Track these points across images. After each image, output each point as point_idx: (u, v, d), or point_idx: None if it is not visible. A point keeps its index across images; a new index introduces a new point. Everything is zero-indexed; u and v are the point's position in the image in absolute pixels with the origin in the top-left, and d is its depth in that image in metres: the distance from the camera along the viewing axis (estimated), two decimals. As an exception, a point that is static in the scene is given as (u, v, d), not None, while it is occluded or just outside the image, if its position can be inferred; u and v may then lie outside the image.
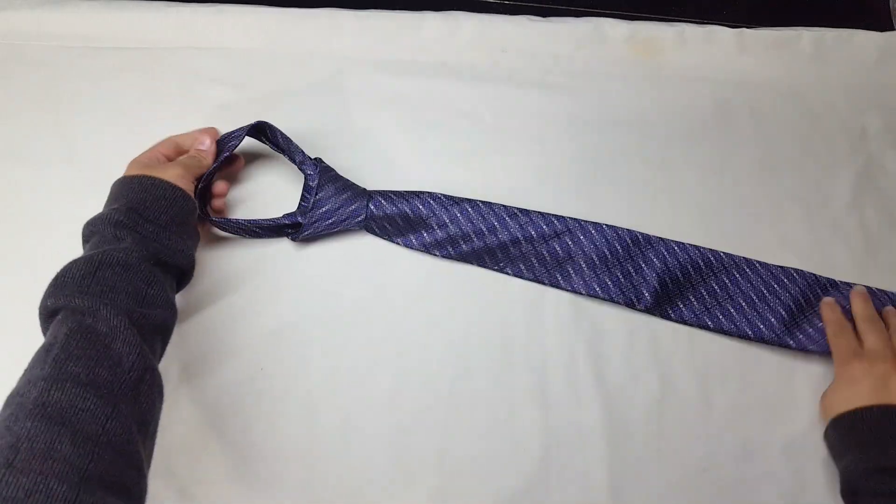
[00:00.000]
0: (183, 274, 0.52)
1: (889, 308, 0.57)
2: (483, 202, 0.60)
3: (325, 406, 0.54)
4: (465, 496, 0.52)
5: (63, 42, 0.70)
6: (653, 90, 0.69)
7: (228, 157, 0.59)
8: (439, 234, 0.59)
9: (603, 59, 0.70)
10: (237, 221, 0.58)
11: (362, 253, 0.60)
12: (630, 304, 0.57)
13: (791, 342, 0.56)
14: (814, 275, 0.58)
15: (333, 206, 0.58)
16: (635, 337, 0.57)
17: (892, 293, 0.58)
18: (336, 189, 0.58)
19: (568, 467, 0.53)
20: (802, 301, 0.57)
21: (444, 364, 0.56)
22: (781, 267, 0.59)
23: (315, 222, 0.58)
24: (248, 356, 0.56)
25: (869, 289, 0.58)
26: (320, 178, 0.58)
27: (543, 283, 0.58)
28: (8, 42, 0.70)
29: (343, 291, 0.59)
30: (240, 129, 0.60)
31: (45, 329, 0.44)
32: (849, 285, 0.58)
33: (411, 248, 0.59)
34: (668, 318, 0.57)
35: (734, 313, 0.57)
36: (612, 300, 0.57)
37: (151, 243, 0.48)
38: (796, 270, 0.58)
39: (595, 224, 0.59)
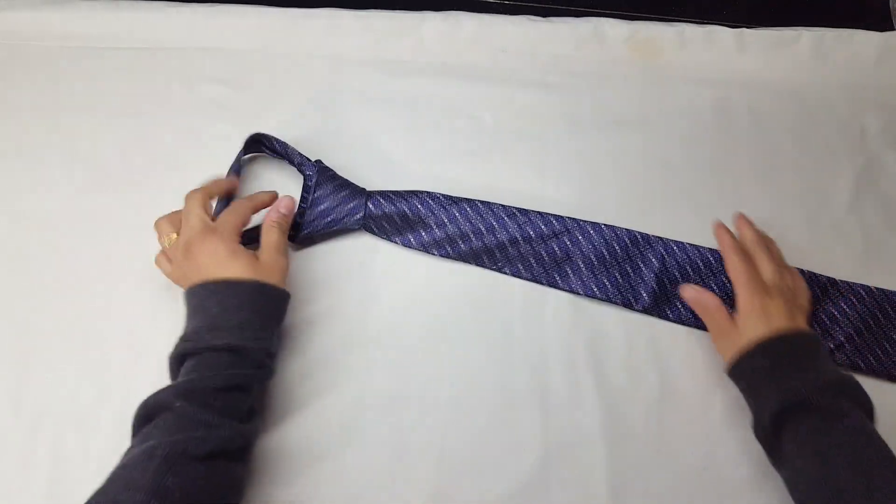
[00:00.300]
0: None
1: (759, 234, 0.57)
2: (482, 202, 0.60)
3: (324, 406, 0.54)
4: (465, 496, 0.52)
5: (63, 42, 0.70)
6: (653, 90, 0.69)
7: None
8: (437, 233, 0.59)
9: (603, 60, 0.70)
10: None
11: (362, 253, 0.60)
12: (628, 305, 0.57)
13: None
14: (813, 273, 0.58)
15: (331, 204, 0.58)
16: (635, 337, 0.57)
17: (891, 291, 0.58)
18: (334, 187, 0.59)
19: (568, 467, 0.53)
20: None
21: (444, 364, 0.56)
22: None
23: (313, 221, 0.58)
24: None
25: (865, 288, 0.58)
26: (318, 177, 0.59)
27: (541, 283, 0.58)
28: (8, 42, 0.70)
29: (343, 292, 0.59)
30: (237, 155, 0.60)
31: (144, 416, 0.44)
32: (848, 283, 0.58)
33: (410, 247, 0.59)
34: (665, 318, 0.57)
35: None
36: (609, 300, 0.57)
37: (271, 372, 0.50)
38: (800, 271, 0.58)
39: (594, 224, 0.59)
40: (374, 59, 0.70)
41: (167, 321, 0.57)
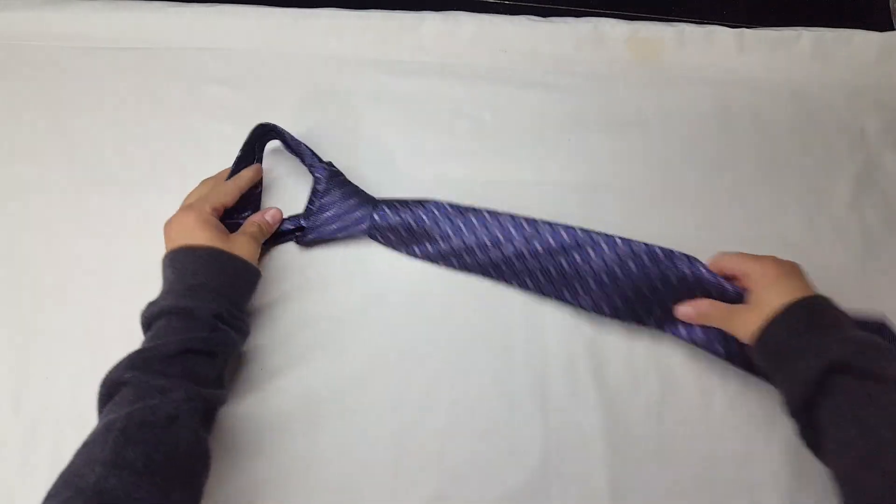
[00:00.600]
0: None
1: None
2: (489, 212, 0.57)
3: (325, 406, 0.54)
4: (465, 496, 0.52)
5: (63, 42, 0.70)
6: (653, 90, 0.69)
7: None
8: (443, 246, 0.58)
9: (603, 60, 0.70)
10: (242, 221, 0.58)
11: (363, 254, 0.60)
12: (639, 321, 0.55)
13: None
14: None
15: (338, 211, 0.58)
16: (635, 337, 0.57)
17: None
18: (342, 194, 0.58)
19: (568, 468, 0.53)
20: None
21: (444, 364, 0.56)
22: None
23: (319, 226, 0.58)
24: (248, 357, 0.56)
25: None
26: (328, 182, 0.58)
27: (549, 297, 0.57)
28: (8, 42, 0.70)
29: (344, 293, 0.59)
30: (250, 135, 0.60)
31: (107, 396, 0.44)
32: None
33: (416, 257, 0.59)
34: (679, 335, 0.55)
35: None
36: (619, 318, 0.55)
37: (237, 334, 0.51)
38: None
39: (607, 238, 0.55)
40: (374, 59, 0.70)
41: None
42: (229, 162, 0.63)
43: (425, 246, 0.58)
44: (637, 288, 0.54)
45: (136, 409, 0.42)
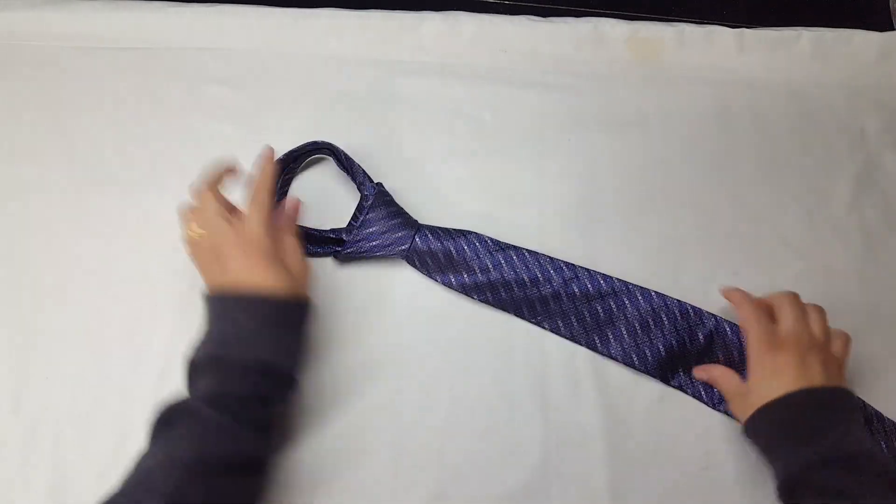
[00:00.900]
0: None
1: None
2: (529, 251, 0.57)
3: (325, 406, 0.54)
4: (464, 496, 0.52)
5: (63, 42, 0.70)
6: (653, 90, 0.69)
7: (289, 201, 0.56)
8: (480, 277, 0.57)
9: (603, 60, 0.70)
10: None
11: (362, 262, 0.60)
12: (664, 381, 0.55)
13: None
14: (863, 402, 0.53)
15: (380, 229, 0.57)
16: (635, 337, 0.57)
17: None
18: (388, 214, 0.58)
19: (568, 467, 0.53)
20: None
21: (444, 364, 0.56)
22: None
23: (359, 241, 0.57)
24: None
25: None
26: (374, 199, 0.58)
27: (579, 343, 0.56)
28: (8, 42, 0.70)
29: (344, 293, 0.59)
30: (300, 147, 0.61)
31: (165, 420, 0.44)
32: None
33: (450, 287, 0.58)
34: (700, 399, 0.55)
35: None
36: (647, 373, 0.55)
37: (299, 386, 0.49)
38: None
39: (643, 290, 0.56)
40: (374, 59, 0.70)
41: (167, 321, 0.57)
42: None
43: (462, 276, 0.57)
44: (667, 342, 0.55)
45: (205, 450, 0.41)
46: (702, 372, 0.54)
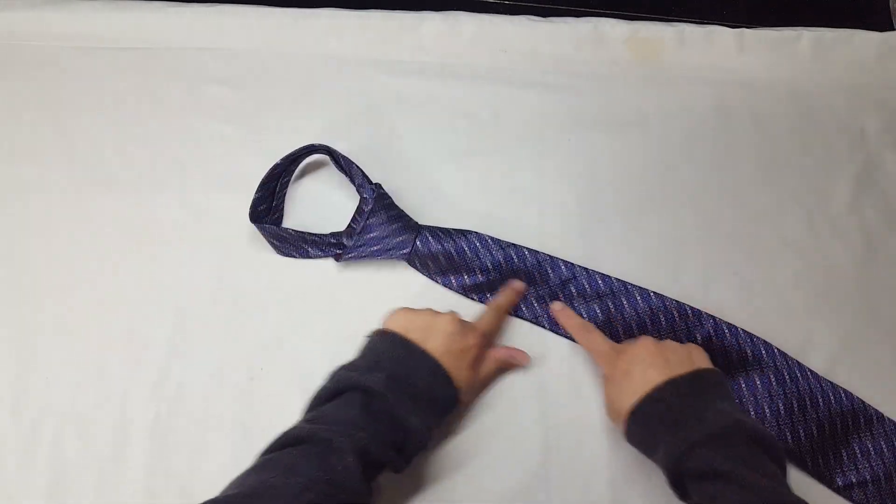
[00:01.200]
0: None
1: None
2: (529, 250, 0.57)
3: (325, 406, 0.54)
4: (465, 496, 0.52)
5: (63, 42, 0.70)
6: (653, 90, 0.69)
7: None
8: (480, 278, 0.57)
9: (603, 60, 0.70)
10: (284, 230, 0.58)
11: (362, 265, 0.60)
12: None
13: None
14: (863, 402, 0.53)
15: (381, 233, 0.57)
16: (635, 337, 0.57)
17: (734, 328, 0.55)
18: (388, 217, 0.58)
19: (568, 467, 0.53)
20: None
21: (444, 364, 0.56)
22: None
23: (360, 246, 0.57)
24: (249, 356, 0.56)
25: (727, 325, 0.55)
26: (375, 203, 0.58)
27: (576, 342, 0.56)
28: (8, 42, 0.70)
29: (345, 295, 0.59)
30: (298, 150, 0.61)
31: (289, 440, 0.43)
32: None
33: (450, 288, 0.58)
34: None
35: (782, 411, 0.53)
36: None
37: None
38: (848, 395, 0.54)
39: (641, 290, 0.56)
40: (374, 59, 0.70)
41: (167, 321, 0.57)
42: (229, 162, 0.64)
43: (462, 277, 0.58)
44: None
45: (333, 494, 0.40)
46: (569, 316, 0.55)
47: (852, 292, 0.59)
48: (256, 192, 0.60)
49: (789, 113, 0.68)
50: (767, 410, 0.53)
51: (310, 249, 0.59)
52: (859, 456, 0.53)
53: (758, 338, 0.55)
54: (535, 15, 0.72)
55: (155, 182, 0.63)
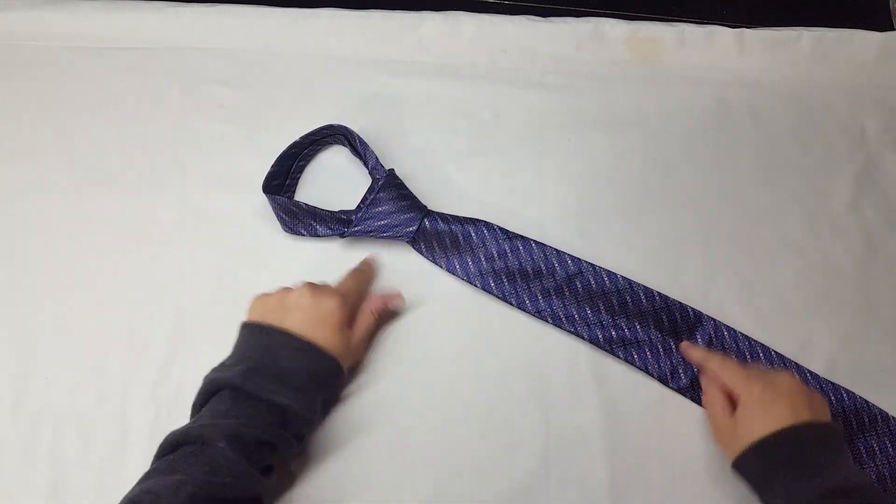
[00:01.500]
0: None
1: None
2: (536, 242, 0.58)
3: (325, 406, 0.54)
4: (464, 496, 0.52)
5: (63, 42, 0.70)
6: (653, 90, 0.69)
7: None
8: (485, 265, 0.57)
9: (603, 60, 0.70)
10: (295, 203, 0.58)
11: (362, 253, 0.60)
12: (664, 381, 0.55)
13: None
14: (866, 402, 0.54)
15: (388, 209, 0.57)
16: (635, 337, 0.57)
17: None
18: (398, 195, 0.58)
19: (568, 467, 0.53)
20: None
21: (444, 364, 0.56)
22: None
23: (367, 220, 0.57)
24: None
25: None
26: (385, 180, 0.58)
27: (581, 338, 0.56)
28: (8, 42, 0.70)
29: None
30: (316, 130, 0.61)
31: (173, 444, 0.44)
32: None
33: (453, 273, 0.57)
34: (697, 402, 0.54)
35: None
36: (646, 372, 0.55)
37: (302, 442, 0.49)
38: (852, 394, 0.54)
39: (646, 289, 0.56)
40: (374, 59, 0.70)
41: (167, 321, 0.57)
42: (229, 162, 0.64)
43: (466, 261, 0.57)
44: (666, 343, 0.55)
45: (211, 482, 0.41)
46: (695, 351, 0.53)
47: (852, 292, 0.60)
48: (273, 166, 0.60)
49: (789, 113, 0.68)
50: None
51: (318, 226, 0.59)
52: (865, 456, 0.53)
53: (756, 341, 0.55)
54: (535, 15, 0.72)
55: (155, 182, 0.63)
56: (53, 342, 0.57)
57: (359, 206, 0.58)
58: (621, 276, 0.57)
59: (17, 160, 0.64)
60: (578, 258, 0.57)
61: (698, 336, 0.55)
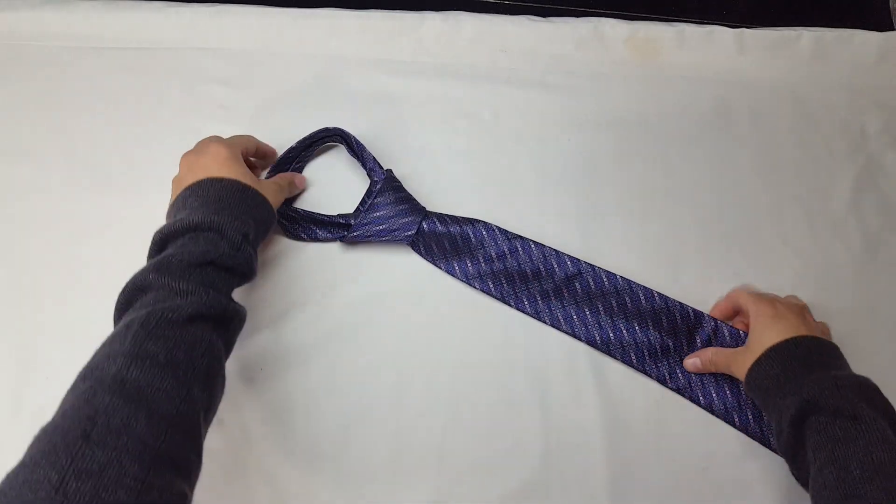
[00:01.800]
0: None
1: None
2: (535, 243, 0.58)
3: (325, 406, 0.54)
4: (465, 496, 0.52)
5: (63, 42, 0.70)
6: (653, 90, 0.69)
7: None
8: (484, 267, 0.57)
9: (603, 60, 0.70)
10: (293, 209, 0.59)
11: (363, 254, 0.60)
12: (662, 382, 0.55)
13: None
14: None
15: (387, 213, 0.57)
16: (635, 337, 0.57)
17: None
18: (396, 199, 0.58)
19: (568, 467, 0.53)
20: None
21: (444, 364, 0.56)
22: None
23: (365, 224, 0.58)
24: (248, 356, 0.56)
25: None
26: (384, 184, 0.58)
27: (579, 339, 0.56)
28: (8, 42, 0.70)
29: (345, 292, 0.59)
30: (313, 134, 0.62)
31: (127, 301, 0.45)
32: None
33: (453, 275, 0.58)
34: (697, 403, 0.54)
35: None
36: (645, 373, 0.55)
37: (255, 264, 0.50)
38: None
39: (645, 290, 0.56)
40: (374, 59, 0.70)
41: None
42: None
43: (465, 264, 0.57)
44: (664, 343, 0.56)
45: (158, 308, 0.41)
46: (695, 358, 0.55)
47: (852, 292, 0.60)
48: (269, 172, 0.61)
49: (789, 113, 0.68)
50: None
51: (318, 231, 0.59)
52: None
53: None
54: (535, 15, 0.72)
55: (155, 182, 0.63)
56: (53, 342, 0.57)
57: (357, 210, 0.59)
58: (620, 277, 0.57)
59: (17, 160, 0.64)
60: (578, 259, 0.58)
61: (698, 339, 0.56)
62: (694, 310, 0.56)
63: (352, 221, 0.58)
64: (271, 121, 0.66)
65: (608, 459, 0.53)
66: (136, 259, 0.59)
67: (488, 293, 0.57)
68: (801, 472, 0.46)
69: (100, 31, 0.71)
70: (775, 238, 0.62)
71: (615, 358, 0.56)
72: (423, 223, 0.57)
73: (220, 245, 0.47)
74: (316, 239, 0.59)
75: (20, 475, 0.34)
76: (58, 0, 0.72)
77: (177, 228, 0.47)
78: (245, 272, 0.49)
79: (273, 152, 0.62)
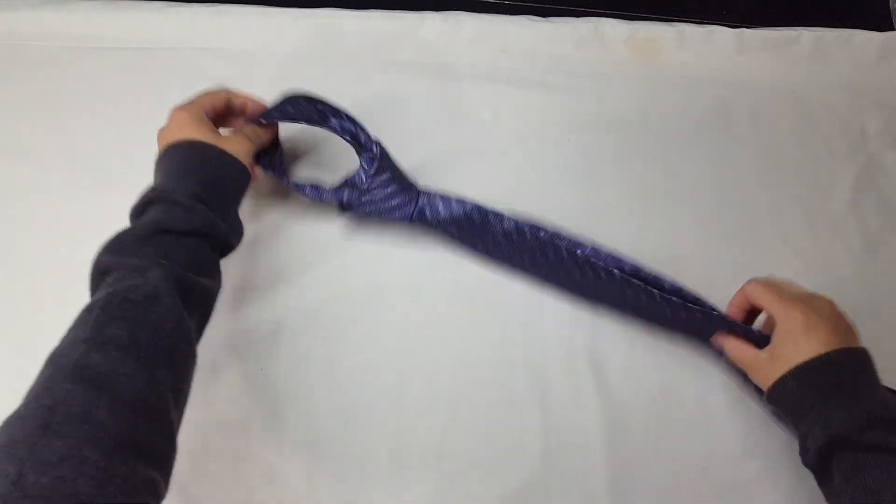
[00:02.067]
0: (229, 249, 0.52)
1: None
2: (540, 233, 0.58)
3: (325, 406, 0.54)
4: (465, 496, 0.52)
5: (63, 42, 0.70)
6: (652, 90, 0.69)
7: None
8: (487, 230, 0.57)
9: (603, 60, 0.70)
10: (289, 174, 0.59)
11: (362, 254, 0.60)
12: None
13: None
14: None
15: (395, 189, 0.57)
16: (635, 337, 0.57)
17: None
18: (398, 175, 0.58)
19: (568, 467, 0.53)
20: None
21: (444, 364, 0.56)
22: None
23: (377, 201, 0.57)
24: (248, 355, 0.56)
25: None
26: (380, 162, 0.57)
27: (574, 293, 0.56)
28: (8, 42, 0.70)
29: (344, 292, 0.59)
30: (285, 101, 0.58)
31: (94, 288, 0.44)
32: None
33: (459, 238, 0.58)
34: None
35: None
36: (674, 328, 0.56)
37: (218, 223, 0.49)
38: None
39: (646, 290, 0.54)
40: (374, 59, 0.70)
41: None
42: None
43: (476, 242, 0.58)
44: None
45: (116, 290, 0.41)
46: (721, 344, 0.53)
47: (852, 292, 0.59)
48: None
49: (789, 113, 0.68)
50: None
51: (323, 191, 0.58)
52: None
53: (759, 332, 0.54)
54: (535, 15, 0.72)
55: (155, 182, 0.63)
56: (53, 342, 0.56)
57: (359, 178, 0.57)
58: (620, 276, 0.55)
59: (17, 160, 0.64)
60: (595, 251, 0.57)
61: (703, 332, 0.55)
62: (701, 306, 0.54)
63: (350, 200, 0.57)
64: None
65: (608, 459, 0.53)
66: (136, 259, 0.59)
67: (488, 253, 0.58)
68: (827, 492, 0.45)
69: (100, 31, 0.71)
70: (775, 238, 0.62)
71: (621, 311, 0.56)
72: (419, 200, 0.57)
73: (174, 210, 0.47)
74: (318, 197, 0.58)
75: None
76: (58, 0, 0.72)
77: (137, 206, 0.48)
78: (207, 233, 0.48)
79: (254, 103, 0.58)
